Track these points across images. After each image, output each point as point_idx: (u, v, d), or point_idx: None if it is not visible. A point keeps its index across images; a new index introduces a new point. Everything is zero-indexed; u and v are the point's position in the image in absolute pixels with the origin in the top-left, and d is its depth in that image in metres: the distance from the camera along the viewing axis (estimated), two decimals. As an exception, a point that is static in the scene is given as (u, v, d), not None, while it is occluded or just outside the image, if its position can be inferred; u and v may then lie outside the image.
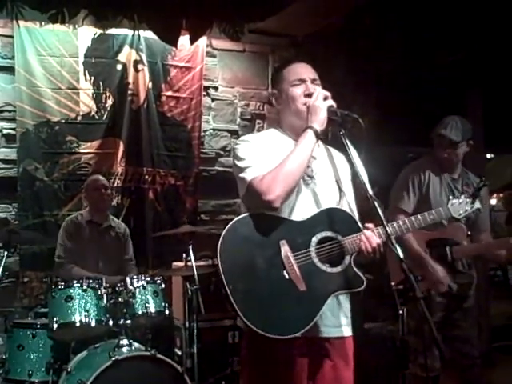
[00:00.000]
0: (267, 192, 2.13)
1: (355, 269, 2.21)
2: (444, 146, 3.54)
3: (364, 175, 2.18)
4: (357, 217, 2.35)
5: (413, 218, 2.37)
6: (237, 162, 2.27)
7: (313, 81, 2.37)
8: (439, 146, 3.57)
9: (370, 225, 2.23)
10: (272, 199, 2.13)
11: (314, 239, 2.20)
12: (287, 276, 2.13)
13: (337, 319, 2.28)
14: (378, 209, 2.10)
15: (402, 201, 3.55)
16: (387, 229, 2.11)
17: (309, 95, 2.32)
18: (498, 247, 3.58)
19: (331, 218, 2.24)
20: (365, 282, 2.20)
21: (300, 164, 2.21)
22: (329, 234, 2.22)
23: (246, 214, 2.18)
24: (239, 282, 2.07)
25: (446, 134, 3.51)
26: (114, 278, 4.03)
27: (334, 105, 2.27)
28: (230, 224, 2.14)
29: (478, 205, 2.71)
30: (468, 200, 2.62)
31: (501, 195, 10.13)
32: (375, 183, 2.20)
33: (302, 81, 2.35)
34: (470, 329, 3.57)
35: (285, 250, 2.15)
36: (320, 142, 2.42)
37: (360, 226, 2.26)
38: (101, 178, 4.55)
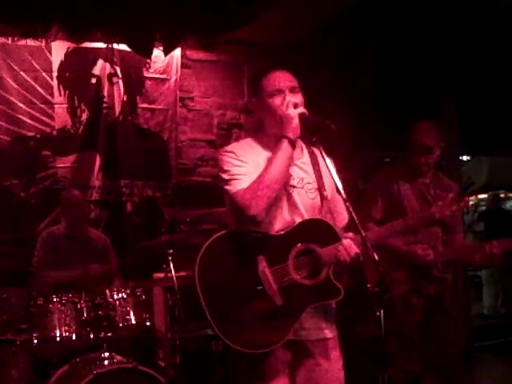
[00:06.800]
0: (249, 207, 2.15)
1: (333, 279, 2.24)
2: (419, 152, 3.54)
3: (338, 181, 2.17)
4: (344, 220, 2.38)
5: (395, 222, 2.39)
6: (221, 174, 2.29)
7: (292, 89, 2.34)
8: (414, 152, 3.57)
9: (350, 234, 2.26)
10: (254, 214, 2.16)
11: (293, 252, 2.22)
12: (264, 291, 2.16)
13: (316, 322, 2.30)
14: (352, 212, 2.11)
15: (371, 208, 3.59)
16: (362, 232, 2.11)
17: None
18: (472, 251, 3.60)
19: (310, 229, 2.27)
20: (342, 293, 2.24)
21: (279, 175, 2.22)
22: (307, 246, 2.25)
23: (224, 232, 2.21)
24: (216, 301, 2.11)
25: (421, 141, 3.52)
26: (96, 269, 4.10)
27: (306, 112, 2.27)
28: (208, 242, 2.18)
29: (463, 204, 2.76)
30: (453, 200, 2.64)
31: (479, 196, 10.26)
32: (353, 187, 2.22)
33: (280, 91, 2.33)
34: (449, 329, 3.60)
35: (262, 265, 2.18)
36: (304, 146, 2.44)
37: (339, 235, 2.27)
38: (75, 193, 4.47)
